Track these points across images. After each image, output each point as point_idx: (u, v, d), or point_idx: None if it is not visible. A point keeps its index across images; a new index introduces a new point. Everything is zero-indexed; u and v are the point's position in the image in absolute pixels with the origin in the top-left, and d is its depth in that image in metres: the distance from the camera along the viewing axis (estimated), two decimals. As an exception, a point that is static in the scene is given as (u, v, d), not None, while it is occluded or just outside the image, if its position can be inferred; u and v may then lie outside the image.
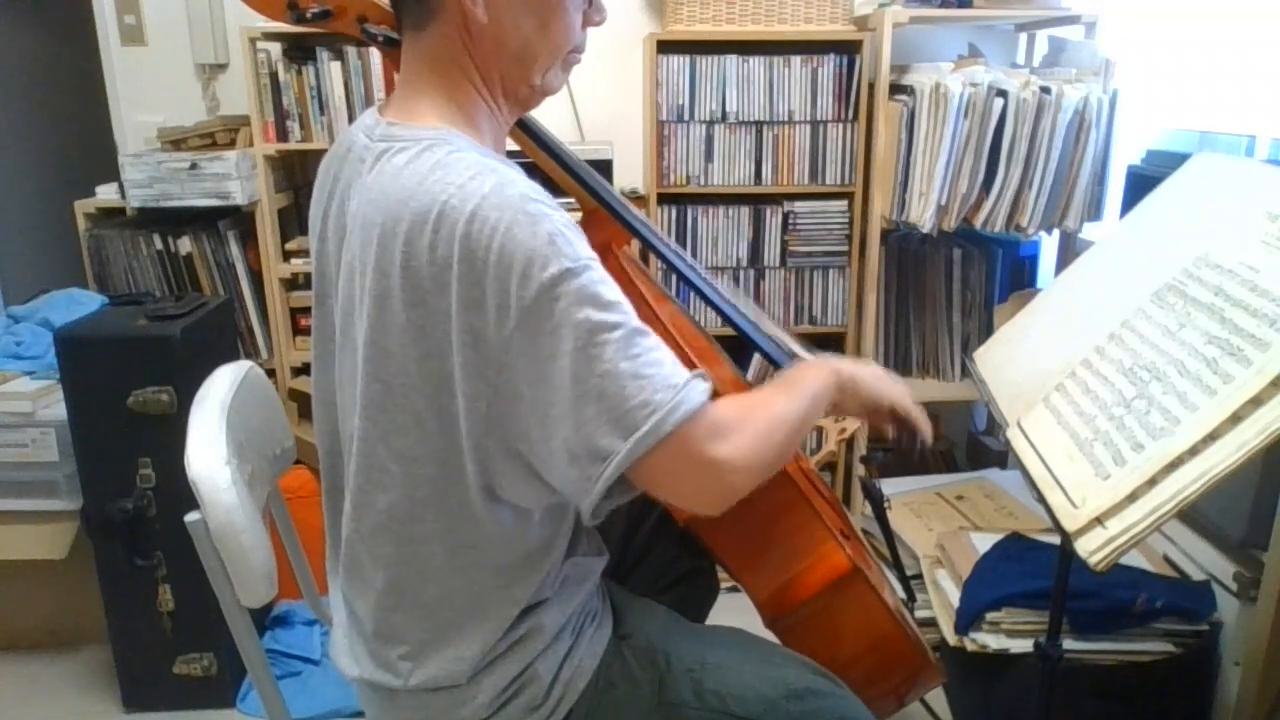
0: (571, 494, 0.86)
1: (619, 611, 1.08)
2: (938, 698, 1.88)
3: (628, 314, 0.83)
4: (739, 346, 1.35)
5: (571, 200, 1.22)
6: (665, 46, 2.18)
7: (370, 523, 0.93)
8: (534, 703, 0.96)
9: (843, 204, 2.29)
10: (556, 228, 0.81)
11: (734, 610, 1.26)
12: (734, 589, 1.21)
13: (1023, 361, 1.33)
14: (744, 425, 0.87)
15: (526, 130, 1.19)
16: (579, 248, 0.82)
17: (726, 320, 1.27)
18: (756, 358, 1.47)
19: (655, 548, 1.28)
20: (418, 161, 0.85)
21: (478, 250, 0.79)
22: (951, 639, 1.70)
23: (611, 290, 0.83)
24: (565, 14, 0.93)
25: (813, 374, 1.02)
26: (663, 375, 0.82)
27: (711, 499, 0.88)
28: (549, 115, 1.27)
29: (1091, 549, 0.93)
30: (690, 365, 0.86)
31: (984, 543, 1.85)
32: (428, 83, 0.93)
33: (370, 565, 0.95)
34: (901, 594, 1.54)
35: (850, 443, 2.32)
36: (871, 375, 1.09)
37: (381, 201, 0.85)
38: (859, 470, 2.29)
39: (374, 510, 0.92)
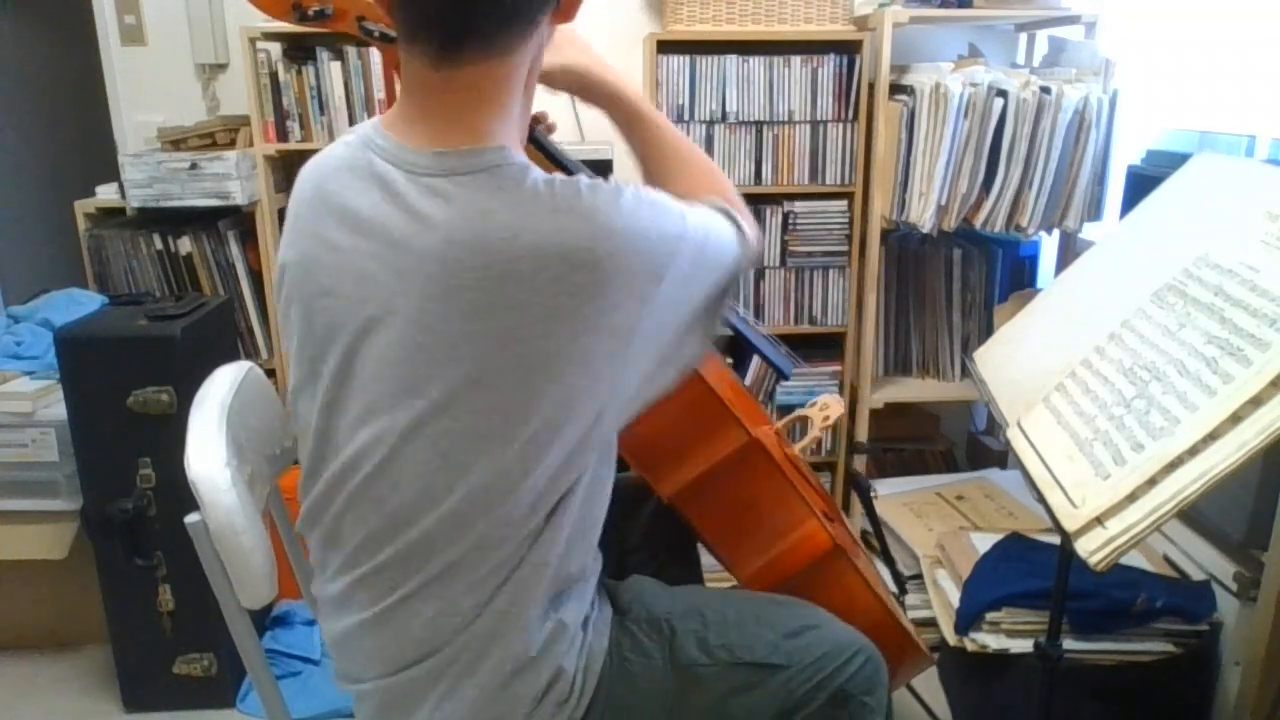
0: None
1: (610, 592, 1.11)
2: (938, 698, 1.88)
3: None
4: (734, 347, 1.36)
5: None
6: (665, 46, 2.18)
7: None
8: (562, 697, 0.97)
9: (843, 204, 2.29)
10: None
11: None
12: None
13: (1023, 361, 1.33)
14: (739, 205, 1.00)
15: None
16: None
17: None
18: (756, 359, 1.47)
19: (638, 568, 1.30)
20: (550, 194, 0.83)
21: None
22: (951, 639, 1.70)
23: None
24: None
25: (650, 106, 1.10)
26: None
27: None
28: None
29: (1091, 549, 0.93)
30: None
31: (984, 543, 1.85)
32: (486, 105, 0.86)
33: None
34: (892, 587, 1.56)
35: (850, 445, 2.32)
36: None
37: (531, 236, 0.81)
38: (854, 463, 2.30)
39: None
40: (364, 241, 0.85)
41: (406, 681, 0.94)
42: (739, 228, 0.96)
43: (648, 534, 1.35)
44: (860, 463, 2.36)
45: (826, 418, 1.38)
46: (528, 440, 0.84)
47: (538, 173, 0.84)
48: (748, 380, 2.30)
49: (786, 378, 1.31)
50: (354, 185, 0.87)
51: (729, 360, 1.78)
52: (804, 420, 1.40)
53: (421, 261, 0.81)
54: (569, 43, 1.11)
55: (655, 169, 1.08)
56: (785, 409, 2.18)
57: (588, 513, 0.96)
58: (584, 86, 1.10)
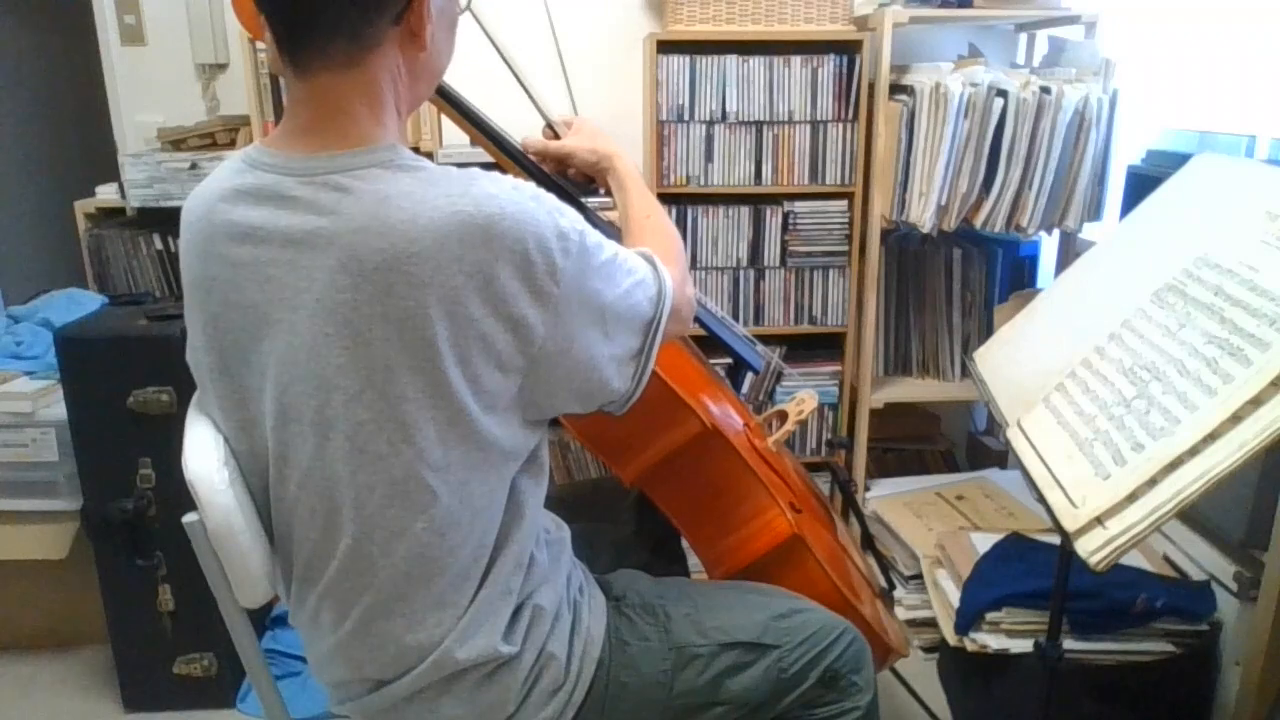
0: None
1: (601, 582, 1.12)
2: (938, 698, 1.88)
3: None
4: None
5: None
6: (665, 46, 2.18)
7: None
8: (555, 684, 0.98)
9: (843, 204, 2.29)
10: None
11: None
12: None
13: (1023, 361, 1.33)
14: (671, 260, 1.02)
15: (476, 124, 1.23)
16: None
17: None
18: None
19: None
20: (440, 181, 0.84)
21: None
22: (951, 639, 1.70)
23: None
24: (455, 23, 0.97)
25: (636, 179, 1.19)
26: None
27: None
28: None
29: (1091, 549, 0.93)
30: None
31: (984, 543, 1.85)
32: (355, 113, 0.89)
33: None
34: (882, 583, 1.57)
35: (833, 441, 2.33)
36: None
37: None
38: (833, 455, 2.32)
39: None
40: (262, 250, 0.87)
41: (389, 695, 0.95)
42: (656, 270, 0.97)
43: (636, 531, 1.39)
44: (860, 461, 2.37)
45: (801, 412, 1.41)
46: (445, 425, 0.84)
47: (432, 164, 0.87)
48: (750, 380, 2.30)
49: (758, 372, 1.34)
50: (244, 203, 0.88)
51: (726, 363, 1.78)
52: (784, 415, 1.44)
53: (326, 252, 0.83)
54: (597, 135, 1.23)
55: (633, 233, 1.13)
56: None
57: (526, 500, 0.96)
58: (603, 169, 1.21)
